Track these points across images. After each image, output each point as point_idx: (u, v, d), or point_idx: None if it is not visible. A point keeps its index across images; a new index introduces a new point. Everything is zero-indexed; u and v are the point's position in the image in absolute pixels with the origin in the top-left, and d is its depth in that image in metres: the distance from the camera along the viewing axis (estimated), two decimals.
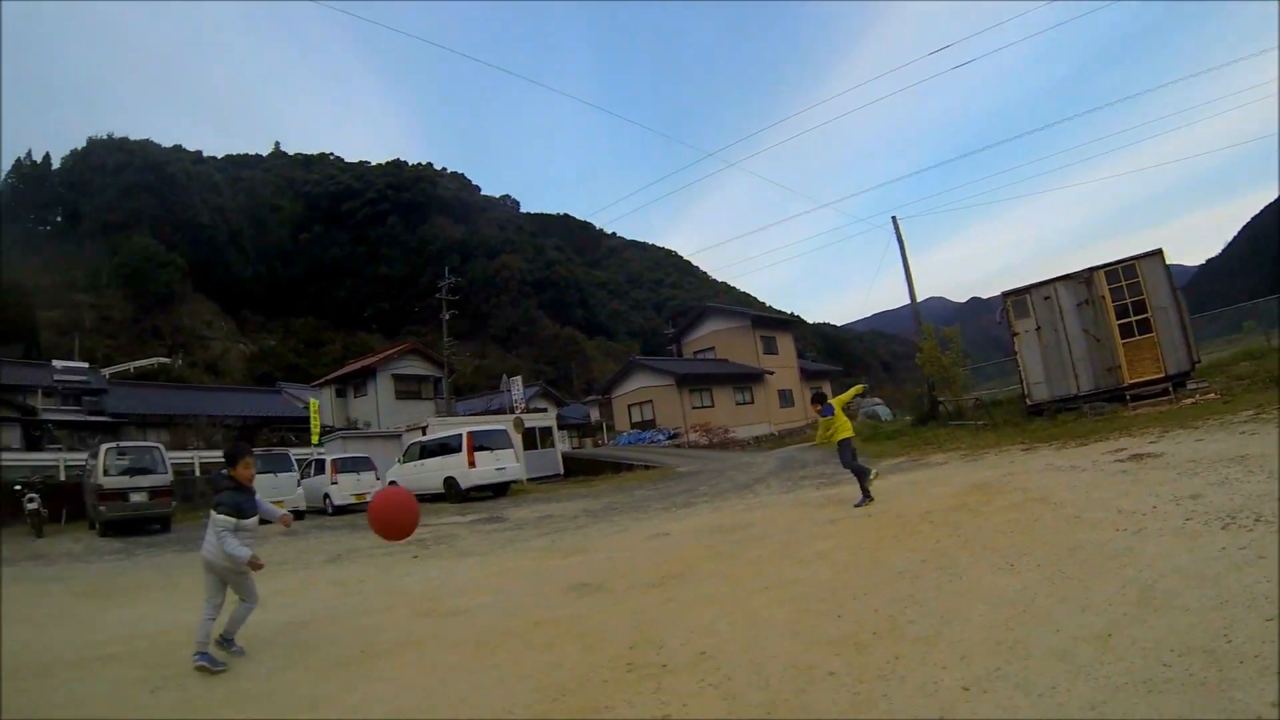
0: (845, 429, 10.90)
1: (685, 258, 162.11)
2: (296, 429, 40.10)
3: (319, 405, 33.73)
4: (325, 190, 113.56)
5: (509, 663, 5.29)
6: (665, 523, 12.42)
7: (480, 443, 22.85)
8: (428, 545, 13.03)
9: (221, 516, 5.60)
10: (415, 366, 43.89)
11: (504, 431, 24.82)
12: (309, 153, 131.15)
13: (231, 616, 5.92)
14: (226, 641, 5.87)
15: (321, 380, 50.06)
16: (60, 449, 33.63)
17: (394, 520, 6.49)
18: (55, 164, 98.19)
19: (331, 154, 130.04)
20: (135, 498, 18.25)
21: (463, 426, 25.29)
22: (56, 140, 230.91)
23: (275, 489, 20.12)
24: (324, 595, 8.87)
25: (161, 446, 20.70)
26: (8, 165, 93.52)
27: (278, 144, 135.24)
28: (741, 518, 11.56)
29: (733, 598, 6.42)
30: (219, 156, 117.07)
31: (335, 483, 22.33)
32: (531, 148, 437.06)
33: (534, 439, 31.53)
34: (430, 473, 23.18)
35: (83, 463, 25.49)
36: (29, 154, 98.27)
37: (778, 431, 43.32)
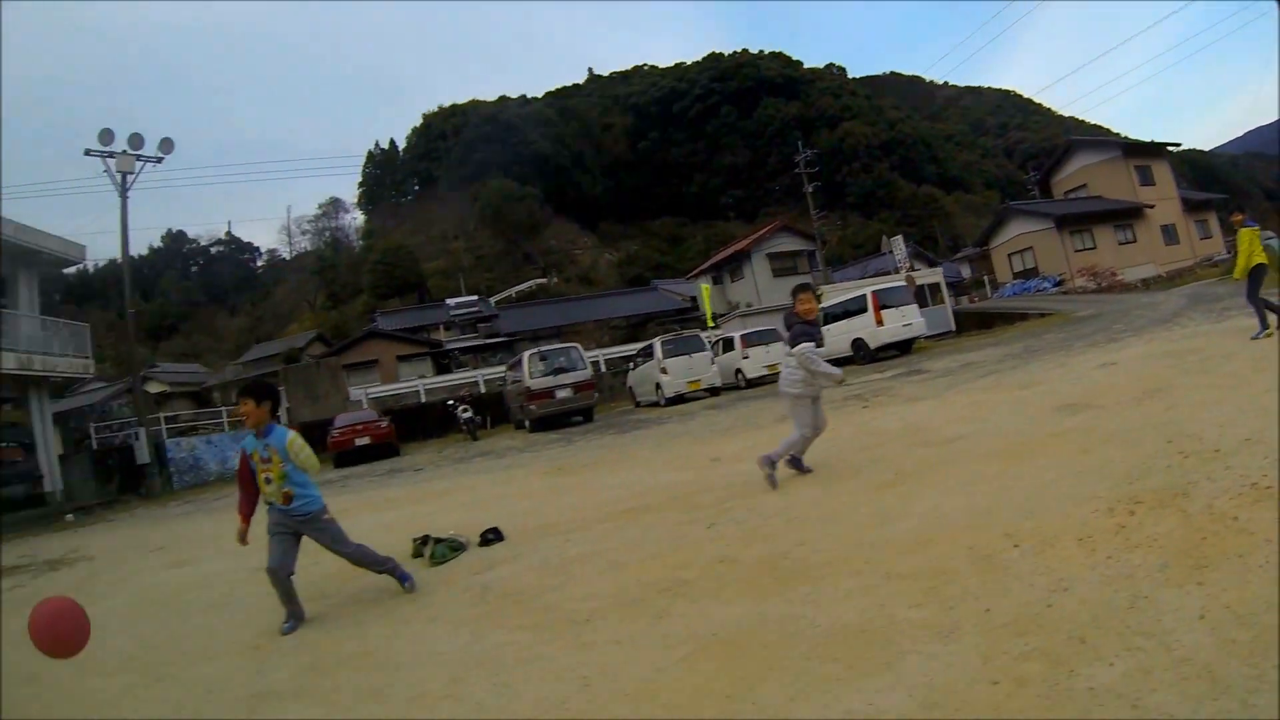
0: (1260, 255, 10.81)
1: (1026, 97, 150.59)
2: (679, 320, 41.86)
3: (708, 290, 35.22)
4: (650, 98, 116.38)
5: (1049, 466, 5.25)
6: (1102, 355, 11.86)
7: (884, 301, 22.62)
8: (866, 400, 12.71)
9: (803, 345, 6.38)
10: (787, 243, 44.26)
11: (904, 288, 24.36)
12: (623, 69, 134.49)
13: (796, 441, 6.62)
14: (795, 461, 6.77)
15: (695, 271, 52.75)
16: (468, 370, 39.48)
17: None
18: (401, 144, 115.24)
19: (645, 64, 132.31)
20: (561, 394, 20.03)
21: (862, 288, 24.88)
22: (399, 126, 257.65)
23: (690, 369, 21.17)
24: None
25: (579, 346, 22.58)
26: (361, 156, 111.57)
27: (590, 69, 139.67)
28: (1185, 345, 10.90)
29: (1240, 398, 6.15)
30: (540, 96, 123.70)
31: (747, 357, 22.84)
32: (844, 9, 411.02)
33: (923, 296, 30.15)
34: (836, 336, 23.02)
35: (500, 376, 28.28)
36: (376, 144, 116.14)
37: (1164, 272, 38.32)
